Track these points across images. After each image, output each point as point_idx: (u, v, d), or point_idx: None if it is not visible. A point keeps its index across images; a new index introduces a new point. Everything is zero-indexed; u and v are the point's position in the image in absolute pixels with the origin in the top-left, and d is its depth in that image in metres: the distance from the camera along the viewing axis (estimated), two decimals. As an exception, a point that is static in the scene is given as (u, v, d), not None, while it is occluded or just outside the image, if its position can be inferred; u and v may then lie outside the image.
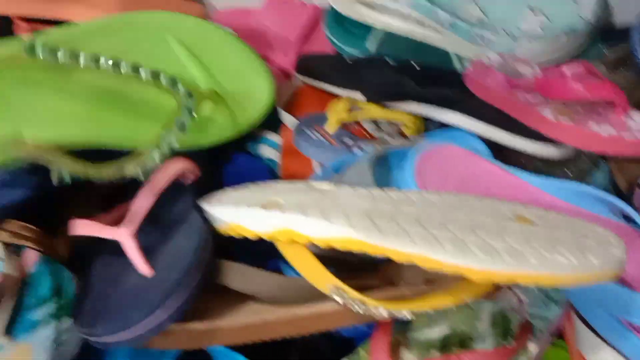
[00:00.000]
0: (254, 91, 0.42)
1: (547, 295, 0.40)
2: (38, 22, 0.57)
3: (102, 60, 0.37)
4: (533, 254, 0.29)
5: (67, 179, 0.31)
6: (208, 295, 0.37)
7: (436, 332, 0.39)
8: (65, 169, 0.31)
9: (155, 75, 0.38)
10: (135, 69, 0.37)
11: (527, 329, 0.37)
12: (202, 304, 0.36)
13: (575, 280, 0.28)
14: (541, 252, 0.29)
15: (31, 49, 0.35)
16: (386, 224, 0.33)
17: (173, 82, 0.38)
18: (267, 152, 0.57)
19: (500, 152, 0.48)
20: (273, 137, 0.58)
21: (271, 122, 0.59)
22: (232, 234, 0.38)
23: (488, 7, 0.52)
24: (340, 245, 0.34)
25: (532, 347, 0.36)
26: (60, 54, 0.35)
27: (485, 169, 0.43)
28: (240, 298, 0.37)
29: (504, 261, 0.29)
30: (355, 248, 0.33)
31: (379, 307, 0.33)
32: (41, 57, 0.35)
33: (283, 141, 0.55)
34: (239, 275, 0.37)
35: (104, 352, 0.39)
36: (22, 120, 0.35)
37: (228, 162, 0.56)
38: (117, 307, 0.33)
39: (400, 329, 0.39)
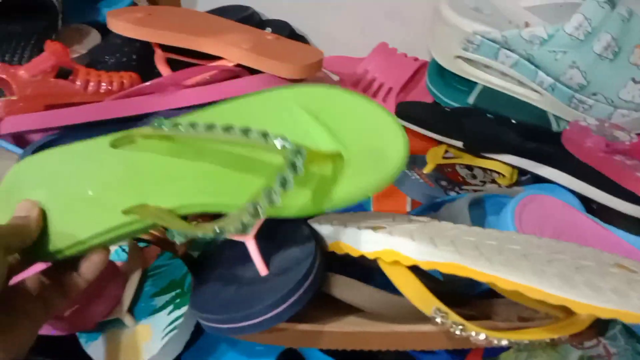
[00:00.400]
0: (387, 150, 0.38)
1: (635, 348, 0.41)
2: (173, 52, 0.65)
3: (216, 127, 0.37)
4: (636, 295, 0.31)
5: (179, 239, 0.33)
6: (315, 303, 0.40)
7: (524, 369, 0.40)
8: (177, 230, 0.33)
9: (264, 134, 0.36)
10: (245, 131, 0.36)
11: (616, 378, 0.38)
12: (310, 309, 0.39)
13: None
14: (645, 296, 0.31)
15: (159, 125, 0.37)
16: (494, 255, 0.35)
17: (283, 139, 0.35)
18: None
19: (591, 211, 0.50)
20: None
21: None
22: (337, 250, 0.42)
23: (591, 74, 0.55)
24: (445, 270, 0.36)
25: (622, 396, 0.37)
26: (181, 127, 0.37)
27: (582, 222, 0.45)
28: (343, 309, 0.40)
29: (609, 298, 0.31)
30: (459, 273, 0.36)
31: (479, 333, 0.35)
32: (167, 131, 0.37)
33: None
34: (347, 288, 0.40)
35: (214, 346, 0.43)
36: (149, 191, 0.37)
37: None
38: (242, 300, 0.37)
39: (487, 363, 0.41)
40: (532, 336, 0.35)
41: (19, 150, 0.54)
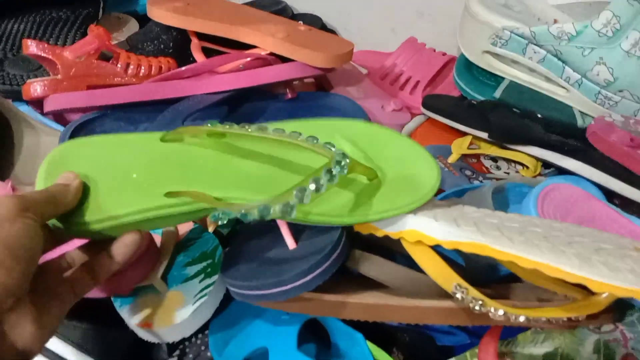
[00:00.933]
0: (421, 176, 0.41)
1: (654, 335, 0.42)
2: (208, 41, 0.67)
3: (267, 127, 0.40)
4: (654, 277, 0.32)
5: (224, 218, 0.34)
6: (340, 278, 0.42)
7: (540, 349, 0.41)
8: (223, 209, 0.34)
9: (313, 137, 0.38)
10: (294, 134, 0.38)
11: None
12: (335, 283, 0.41)
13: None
14: (662, 276, 0.32)
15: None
16: (515, 235, 0.37)
17: (329, 143, 0.38)
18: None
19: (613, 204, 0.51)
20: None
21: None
22: (362, 231, 0.43)
23: (618, 71, 0.56)
24: (466, 249, 0.38)
25: (636, 377, 0.38)
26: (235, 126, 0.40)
27: (604, 212, 0.46)
28: (367, 285, 0.42)
29: (627, 278, 0.32)
30: (480, 252, 0.37)
31: (498, 309, 0.36)
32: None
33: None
34: (371, 263, 0.41)
35: (241, 315, 0.45)
36: (192, 181, 0.39)
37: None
38: (271, 268, 0.39)
39: (505, 344, 0.42)
40: (550, 314, 0.36)
41: (61, 128, 0.57)
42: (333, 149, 0.37)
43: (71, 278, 0.34)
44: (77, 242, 0.37)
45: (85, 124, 0.55)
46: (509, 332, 0.43)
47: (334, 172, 0.35)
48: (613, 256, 0.35)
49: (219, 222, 0.35)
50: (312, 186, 0.35)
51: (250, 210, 0.34)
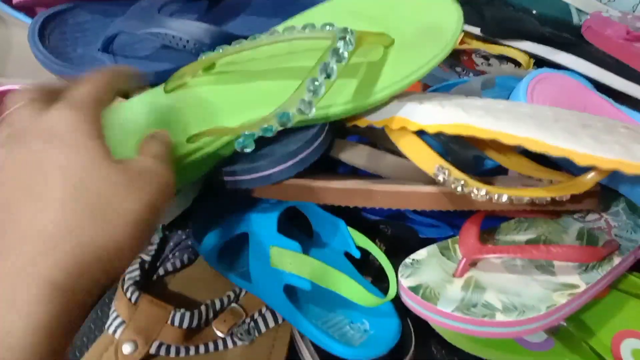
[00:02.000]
0: (441, 21, 0.38)
1: (636, 222, 0.41)
2: None
3: (259, 36, 0.38)
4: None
5: (249, 141, 0.33)
6: (323, 171, 0.41)
7: (523, 237, 0.41)
8: (246, 131, 0.33)
9: (307, 25, 0.36)
10: (288, 29, 0.37)
11: (613, 245, 0.39)
12: (318, 174, 0.40)
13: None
14: (649, 148, 0.31)
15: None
16: (500, 114, 0.35)
17: (329, 24, 0.36)
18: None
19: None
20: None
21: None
22: (346, 122, 0.42)
23: (618, -39, 0.53)
24: (450, 131, 0.36)
25: (616, 259, 0.38)
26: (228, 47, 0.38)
27: (596, 103, 0.44)
28: (350, 176, 0.41)
29: (612, 150, 0.31)
30: (465, 133, 0.36)
31: (480, 189, 0.36)
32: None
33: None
34: (351, 149, 0.41)
35: (223, 203, 0.44)
36: (212, 119, 0.38)
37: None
38: (253, 155, 0.37)
39: (488, 232, 0.42)
40: (533, 194, 0.36)
41: (29, 20, 0.54)
42: (333, 28, 0.35)
43: None
44: None
45: (56, 16, 0.52)
46: (491, 222, 0.43)
47: (340, 51, 0.33)
48: (600, 131, 0.34)
49: (246, 149, 0.34)
50: (322, 74, 0.33)
51: (270, 122, 0.33)
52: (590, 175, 0.36)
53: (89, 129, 0.26)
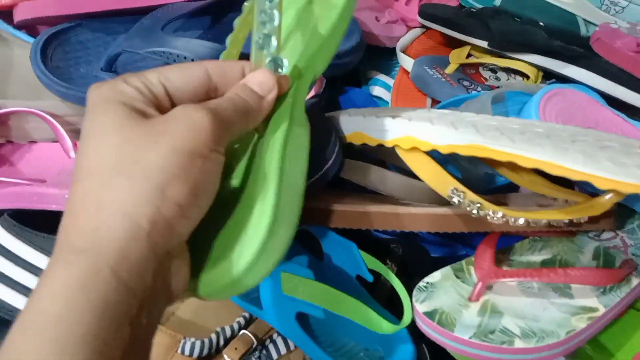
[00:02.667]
0: None
1: (655, 240, 0.41)
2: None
3: None
4: (662, 172, 0.30)
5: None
6: (330, 187, 0.40)
7: (538, 257, 0.40)
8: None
9: None
10: None
11: (630, 265, 0.38)
12: (328, 194, 0.39)
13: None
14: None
15: None
16: (515, 135, 0.35)
17: None
18: (378, 91, 0.60)
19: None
20: (385, 79, 0.60)
21: (385, 65, 0.62)
22: (355, 142, 0.41)
23: (626, -27, 0.52)
24: (464, 152, 0.36)
25: (635, 281, 0.37)
26: None
27: (608, 118, 0.44)
28: (362, 197, 0.40)
29: (633, 174, 0.30)
30: (479, 154, 0.35)
31: (496, 212, 0.35)
32: None
33: (397, 82, 0.58)
34: (364, 171, 0.40)
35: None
36: None
37: (342, 94, 0.59)
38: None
39: (502, 252, 0.41)
40: (551, 216, 0.35)
41: (31, 39, 0.53)
42: None
43: None
44: None
45: (59, 34, 0.51)
46: (506, 244, 0.42)
47: None
48: (618, 153, 0.33)
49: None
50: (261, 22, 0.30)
51: None
52: (609, 196, 0.35)
53: (119, 97, 0.25)
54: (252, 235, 0.26)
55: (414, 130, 0.38)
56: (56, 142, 0.47)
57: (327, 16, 0.36)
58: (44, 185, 0.42)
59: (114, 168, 0.23)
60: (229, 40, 0.38)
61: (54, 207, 0.41)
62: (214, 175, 0.26)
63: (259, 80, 0.29)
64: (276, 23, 0.30)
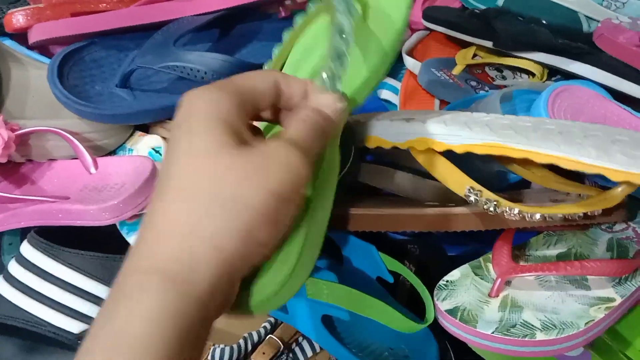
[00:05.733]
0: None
1: (667, 230, 0.41)
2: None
3: None
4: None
5: None
6: (351, 195, 0.41)
7: (554, 251, 0.41)
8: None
9: None
10: None
11: (645, 255, 0.39)
12: (346, 199, 0.40)
13: None
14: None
15: None
16: (529, 132, 0.36)
17: None
18: (386, 95, 0.61)
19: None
20: (393, 82, 0.61)
21: (391, 68, 0.63)
22: (369, 145, 0.42)
23: (626, -32, 0.53)
24: (480, 151, 0.37)
25: (650, 271, 0.38)
26: None
27: (616, 112, 0.45)
28: (377, 199, 0.41)
29: (646, 165, 0.31)
30: (494, 152, 0.36)
31: (513, 208, 0.36)
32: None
33: (404, 85, 0.59)
34: (380, 174, 0.41)
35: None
36: None
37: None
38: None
39: (518, 248, 0.42)
40: (566, 210, 0.36)
41: (47, 60, 0.54)
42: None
43: None
44: None
45: (74, 54, 0.52)
46: (521, 239, 0.43)
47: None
48: (630, 146, 0.34)
49: None
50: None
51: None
52: (621, 188, 0.36)
53: (217, 112, 0.24)
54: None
55: (428, 131, 0.39)
56: (75, 159, 0.48)
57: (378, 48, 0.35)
58: (68, 202, 0.43)
59: (210, 198, 0.23)
60: (276, 51, 0.38)
61: (79, 223, 0.42)
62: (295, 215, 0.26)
63: (329, 103, 0.29)
64: (345, 66, 0.30)
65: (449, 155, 0.38)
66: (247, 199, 0.23)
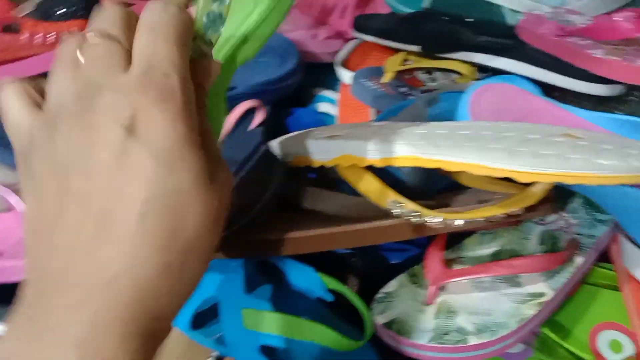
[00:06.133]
0: None
1: (595, 217, 0.42)
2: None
3: None
4: (578, 158, 0.32)
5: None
6: (279, 215, 0.41)
7: (488, 250, 0.42)
8: None
9: None
10: None
11: (574, 244, 0.39)
12: (274, 221, 0.40)
13: (617, 180, 0.31)
14: (586, 157, 0.32)
15: None
16: (441, 141, 0.36)
17: None
18: (324, 107, 0.61)
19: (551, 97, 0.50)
20: (330, 94, 0.62)
21: (328, 81, 0.64)
22: (299, 164, 0.42)
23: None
24: (398, 163, 0.37)
25: (579, 259, 0.39)
26: None
27: (539, 106, 0.45)
28: (307, 219, 0.42)
29: (551, 163, 0.32)
30: (411, 164, 0.36)
31: (435, 217, 0.36)
32: None
33: (341, 97, 0.59)
34: (307, 195, 0.41)
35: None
36: None
37: (289, 115, 0.60)
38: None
39: (452, 250, 0.42)
40: (486, 213, 0.36)
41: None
42: None
43: None
44: None
45: None
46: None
47: None
48: (539, 145, 0.34)
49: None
50: None
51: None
52: (540, 185, 0.37)
53: (186, 132, 0.20)
54: None
55: (351, 148, 0.39)
56: (8, 212, 0.47)
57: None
58: (1, 258, 0.42)
59: None
60: None
61: (13, 279, 0.41)
62: None
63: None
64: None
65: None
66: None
